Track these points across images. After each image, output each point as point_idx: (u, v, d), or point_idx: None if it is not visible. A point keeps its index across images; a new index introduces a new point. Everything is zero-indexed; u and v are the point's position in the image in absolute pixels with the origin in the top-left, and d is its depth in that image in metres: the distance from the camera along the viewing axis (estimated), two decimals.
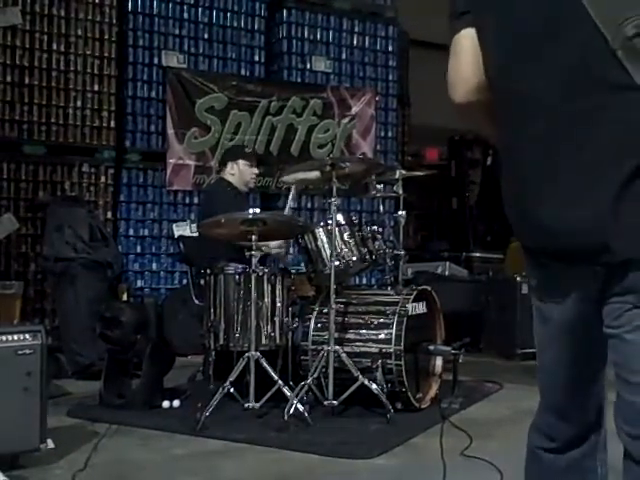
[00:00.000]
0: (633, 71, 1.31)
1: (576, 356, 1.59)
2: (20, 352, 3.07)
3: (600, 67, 1.35)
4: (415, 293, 4.34)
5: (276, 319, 4.21)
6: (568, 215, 1.41)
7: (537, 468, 1.72)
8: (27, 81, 6.32)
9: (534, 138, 1.45)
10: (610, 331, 1.46)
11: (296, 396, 3.90)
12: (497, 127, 1.58)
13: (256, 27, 7.45)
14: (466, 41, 1.55)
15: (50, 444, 3.15)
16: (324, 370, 4.08)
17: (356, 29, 7.90)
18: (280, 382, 3.94)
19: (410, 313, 4.24)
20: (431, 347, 4.43)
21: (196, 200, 6.91)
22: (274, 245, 4.76)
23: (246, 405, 3.94)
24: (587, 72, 1.37)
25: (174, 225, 6.78)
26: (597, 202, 1.36)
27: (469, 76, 1.56)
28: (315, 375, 4.06)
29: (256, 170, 5.16)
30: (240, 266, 4.27)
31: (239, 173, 5.08)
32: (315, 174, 4.39)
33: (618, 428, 1.48)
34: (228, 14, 7.28)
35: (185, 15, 7.07)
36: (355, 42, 7.89)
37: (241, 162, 5.13)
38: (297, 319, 4.39)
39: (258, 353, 3.96)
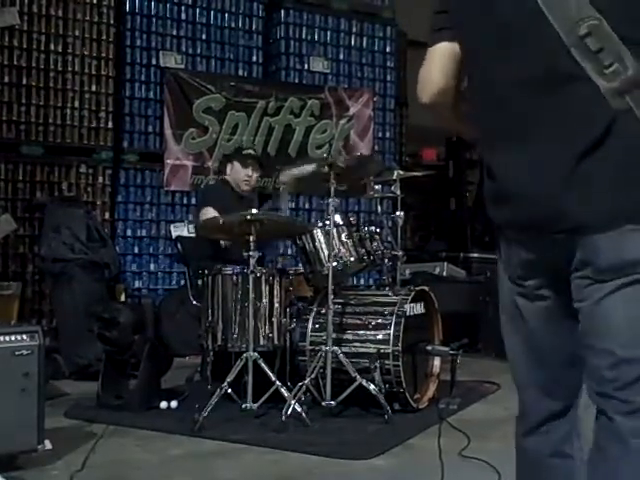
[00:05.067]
0: (585, 66, 1.47)
1: (561, 327, 1.68)
2: (17, 353, 3.07)
3: (558, 62, 1.50)
4: (413, 294, 4.34)
5: (274, 320, 4.22)
6: (526, 182, 1.56)
7: (524, 459, 1.81)
8: (25, 82, 6.29)
9: (504, 113, 1.62)
10: (577, 305, 1.59)
11: (294, 397, 3.90)
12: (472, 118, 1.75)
13: (254, 28, 7.43)
14: (437, 54, 1.77)
15: (47, 445, 3.15)
16: (322, 371, 4.08)
17: (354, 30, 7.88)
18: (278, 383, 3.95)
19: (408, 314, 4.25)
20: (429, 348, 4.43)
21: (194, 201, 6.90)
22: None
23: (244, 406, 3.94)
24: (546, 67, 1.53)
25: (172, 226, 6.77)
26: (551, 172, 1.52)
27: (436, 79, 1.77)
28: (313, 376, 4.07)
29: (250, 172, 5.03)
30: (238, 267, 4.26)
31: (232, 173, 5.07)
32: (312, 174, 4.39)
33: (589, 389, 1.62)
34: (226, 15, 7.26)
35: (183, 16, 7.05)
36: (353, 43, 7.87)
37: (235, 163, 5.12)
38: (295, 320, 4.40)
39: (256, 354, 3.97)
